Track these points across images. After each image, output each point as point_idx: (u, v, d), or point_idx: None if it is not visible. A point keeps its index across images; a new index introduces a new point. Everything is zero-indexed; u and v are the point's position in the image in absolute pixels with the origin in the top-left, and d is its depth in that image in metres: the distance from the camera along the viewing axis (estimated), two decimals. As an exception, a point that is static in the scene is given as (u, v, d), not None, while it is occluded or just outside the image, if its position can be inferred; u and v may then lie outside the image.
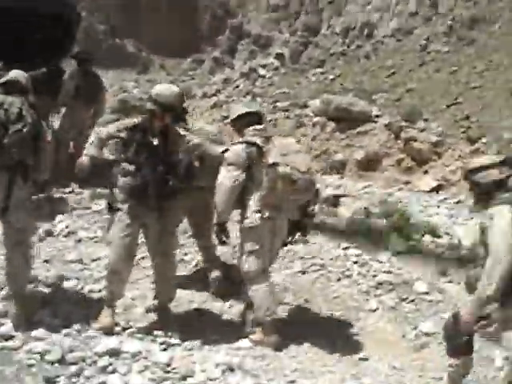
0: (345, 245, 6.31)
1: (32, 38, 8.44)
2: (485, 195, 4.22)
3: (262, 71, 42.21)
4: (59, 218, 6.22)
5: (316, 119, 17.97)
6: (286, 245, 4.88)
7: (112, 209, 4.57)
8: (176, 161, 4.62)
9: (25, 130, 4.27)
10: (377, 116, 16.54)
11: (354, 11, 44.04)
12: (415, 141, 14.02)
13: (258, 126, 4.69)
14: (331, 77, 35.14)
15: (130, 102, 24.62)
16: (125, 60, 46.01)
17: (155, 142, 4.58)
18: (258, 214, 4.41)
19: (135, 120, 4.74)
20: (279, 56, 44.02)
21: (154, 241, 4.60)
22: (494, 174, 4.25)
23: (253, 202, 4.47)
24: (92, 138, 4.96)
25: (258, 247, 4.44)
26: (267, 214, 4.42)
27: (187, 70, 49.26)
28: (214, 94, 24.70)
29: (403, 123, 15.12)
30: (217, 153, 4.72)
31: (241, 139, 4.67)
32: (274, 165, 4.53)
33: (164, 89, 4.68)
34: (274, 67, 42.94)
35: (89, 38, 43.78)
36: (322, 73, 36.83)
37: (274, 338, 4.45)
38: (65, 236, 5.81)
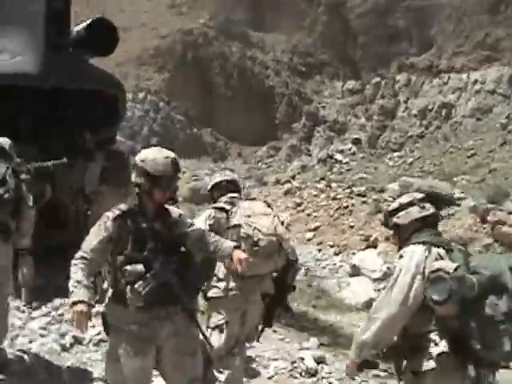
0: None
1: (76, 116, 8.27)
2: (407, 239, 3.86)
3: (339, 157, 41.91)
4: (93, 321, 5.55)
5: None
6: (269, 324, 4.54)
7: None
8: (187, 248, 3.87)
9: (6, 195, 4.53)
10: (459, 199, 15.76)
11: (430, 92, 43.43)
12: (504, 224, 13.16)
13: (234, 194, 4.63)
14: (410, 160, 34.54)
15: (200, 191, 24.41)
16: (202, 149, 46.54)
17: (157, 227, 3.76)
18: (223, 283, 4.15)
19: (120, 208, 3.83)
20: (356, 141, 43.76)
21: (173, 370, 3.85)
22: (414, 213, 3.91)
23: (218, 271, 4.14)
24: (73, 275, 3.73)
25: (222, 322, 4.16)
26: (232, 284, 4.13)
27: (264, 158, 49.41)
28: (288, 181, 24.24)
29: (489, 205, 14.29)
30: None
31: (209, 206, 4.63)
32: (237, 226, 4.38)
33: (153, 153, 3.80)
34: (350, 152, 42.63)
35: (166, 128, 44.60)
36: (400, 156, 36.25)
37: None
38: (95, 344, 5.12)
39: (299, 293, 10.43)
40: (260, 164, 46.67)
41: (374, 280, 11.81)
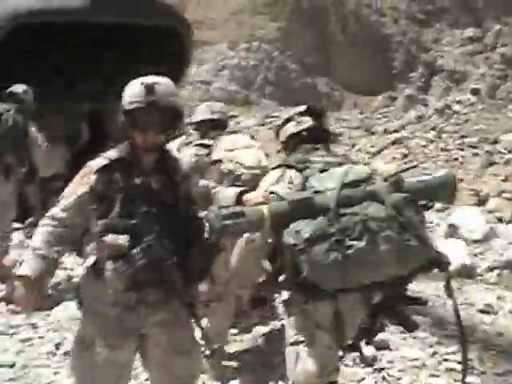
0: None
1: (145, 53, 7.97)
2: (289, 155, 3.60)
3: (457, 107, 40.49)
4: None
5: (509, 156, 16.69)
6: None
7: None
8: (194, 216, 3.12)
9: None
10: None
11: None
12: None
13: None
14: (532, 111, 32.85)
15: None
16: (317, 99, 46.10)
17: (154, 184, 2.97)
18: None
19: (106, 156, 3.04)
20: (475, 91, 42.06)
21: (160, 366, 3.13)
22: (290, 128, 3.70)
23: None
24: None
25: None
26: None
27: (379, 108, 48.38)
28: (396, 131, 23.65)
29: None
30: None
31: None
32: (217, 161, 4.14)
33: (136, 80, 3.07)
34: (469, 103, 41.05)
35: (281, 77, 44.43)
36: (521, 107, 34.52)
37: None
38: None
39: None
40: (375, 114, 45.83)
41: (472, 242, 10.37)
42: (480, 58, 45.55)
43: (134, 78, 3.12)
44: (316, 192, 3.22)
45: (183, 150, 4.42)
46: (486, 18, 51.64)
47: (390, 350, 5.56)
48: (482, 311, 7.17)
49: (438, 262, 3.30)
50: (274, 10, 47.57)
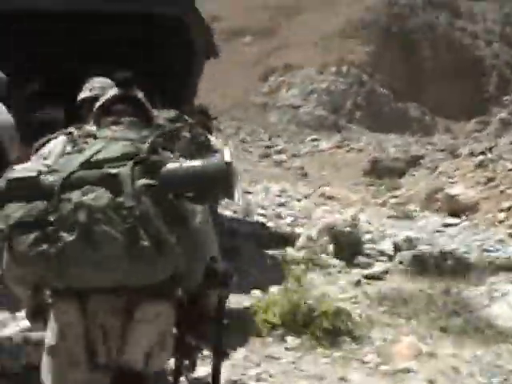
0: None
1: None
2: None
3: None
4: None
5: None
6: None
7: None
8: None
9: None
10: None
11: None
12: None
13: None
14: None
15: (382, 163, 23.53)
16: (407, 124, 45.32)
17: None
18: None
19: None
20: None
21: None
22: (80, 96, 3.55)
23: None
24: None
25: None
26: None
27: (472, 132, 47.09)
28: (482, 153, 22.32)
29: None
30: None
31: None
32: None
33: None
34: None
35: (370, 102, 43.77)
36: None
37: None
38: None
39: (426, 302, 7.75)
40: (467, 139, 44.59)
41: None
42: None
43: None
44: (51, 171, 2.67)
45: None
46: None
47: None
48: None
49: (210, 276, 2.75)
50: (364, 34, 47.13)
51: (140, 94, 3.22)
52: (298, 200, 18.24)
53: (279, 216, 14.68)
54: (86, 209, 2.53)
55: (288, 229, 12.78)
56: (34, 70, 7.26)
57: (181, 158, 2.75)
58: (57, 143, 2.99)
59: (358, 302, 7.92)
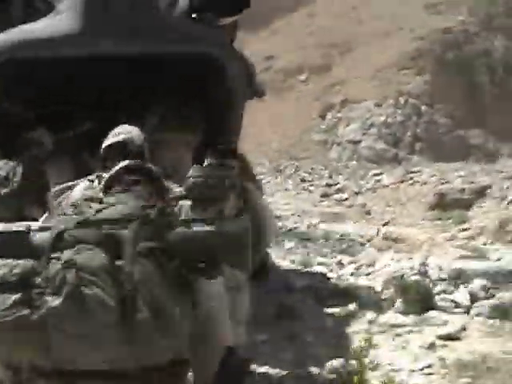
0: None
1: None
2: None
3: None
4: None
5: None
6: None
7: None
8: None
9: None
10: None
11: None
12: None
13: None
14: None
15: (448, 196, 22.87)
16: (469, 151, 44.55)
17: None
18: None
19: None
20: None
21: None
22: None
23: None
24: None
25: None
26: None
27: (536, 156, 45.92)
28: None
29: None
30: None
31: None
32: None
33: None
34: None
35: (430, 132, 43.21)
36: None
37: None
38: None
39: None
40: (532, 164, 43.56)
41: None
42: None
43: None
44: (43, 228, 2.42)
45: None
46: None
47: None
48: None
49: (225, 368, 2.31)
50: (419, 64, 46.74)
51: (154, 168, 3.11)
52: (362, 244, 17.65)
53: (341, 263, 14.07)
54: (76, 268, 2.23)
55: (351, 279, 12.11)
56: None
57: (196, 222, 2.43)
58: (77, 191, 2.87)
59: (432, 372, 7.03)
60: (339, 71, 48.07)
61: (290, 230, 19.79)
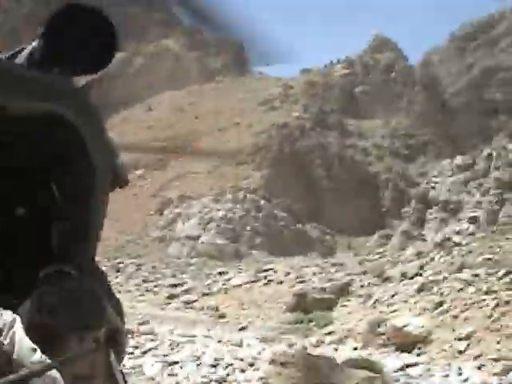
0: None
1: None
2: None
3: (456, 239, 39.00)
4: None
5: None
6: None
7: None
8: None
9: None
10: None
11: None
12: None
13: None
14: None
15: (308, 295, 21.53)
16: (309, 245, 44.74)
17: None
18: None
19: None
20: (473, 219, 40.77)
21: None
22: None
23: None
24: None
25: None
26: None
27: (375, 248, 46.84)
28: (418, 274, 20.65)
29: None
30: None
31: None
32: None
33: None
34: (468, 233, 39.61)
35: (269, 226, 43.00)
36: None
37: None
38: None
39: None
40: (371, 255, 44.28)
41: None
42: (473, 184, 44.58)
43: None
44: None
45: None
46: (467, 146, 51.65)
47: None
48: None
49: None
50: (257, 159, 47.12)
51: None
52: (213, 366, 14.94)
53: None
54: None
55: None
56: None
57: None
58: None
59: None
60: (177, 166, 47.55)
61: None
